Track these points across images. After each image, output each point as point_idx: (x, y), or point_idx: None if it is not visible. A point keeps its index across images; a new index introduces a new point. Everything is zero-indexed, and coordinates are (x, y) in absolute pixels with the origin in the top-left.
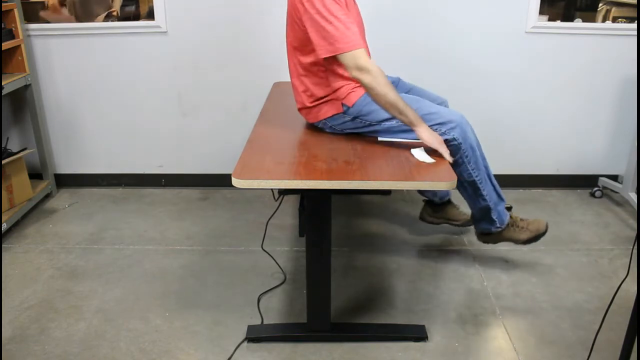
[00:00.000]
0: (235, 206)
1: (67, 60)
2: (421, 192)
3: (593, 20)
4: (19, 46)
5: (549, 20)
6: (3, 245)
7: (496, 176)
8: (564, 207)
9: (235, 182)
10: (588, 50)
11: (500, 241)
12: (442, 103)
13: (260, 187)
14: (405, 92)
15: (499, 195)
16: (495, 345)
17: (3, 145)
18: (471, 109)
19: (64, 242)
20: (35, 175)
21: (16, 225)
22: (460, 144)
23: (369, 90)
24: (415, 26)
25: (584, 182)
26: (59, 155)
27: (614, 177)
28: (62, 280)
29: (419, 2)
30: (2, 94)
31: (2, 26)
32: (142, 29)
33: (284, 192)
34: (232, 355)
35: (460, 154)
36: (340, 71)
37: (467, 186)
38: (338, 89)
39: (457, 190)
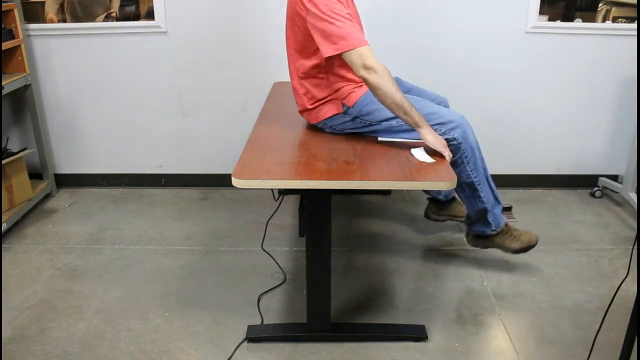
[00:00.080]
0: (235, 206)
1: (67, 60)
2: (426, 190)
3: (593, 20)
4: (19, 46)
5: (549, 20)
6: (3, 245)
7: (496, 176)
8: (564, 207)
9: (235, 182)
10: (588, 50)
11: (490, 247)
12: (442, 102)
13: (260, 187)
14: (405, 92)
15: (495, 198)
16: (495, 345)
17: (3, 145)
18: (471, 109)
19: (64, 242)
20: (35, 175)
21: (16, 225)
22: (461, 143)
23: (375, 90)
24: (415, 26)
25: (584, 182)
26: (59, 155)
27: (614, 177)
28: (62, 280)
29: (419, 2)
30: (2, 94)
31: (2, 26)
32: (142, 29)
33: (284, 192)
34: (232, 355)
35: (459, 154)
36: (342, 72)
37: (465, 187)
38: (339, 89)
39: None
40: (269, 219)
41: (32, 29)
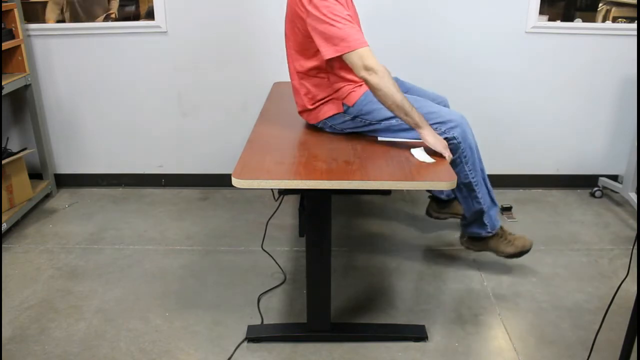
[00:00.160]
0: (235, 206)
1: (67, 60)
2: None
3: (593, 20)
4: (19, 46)
5: (549, 20)
6: (3, 245)
7: (496, 176)
8: (564, 207)
9: (235, 182)
10: (588, 50)
11: (484, 250)
12: (442, 102)
13: (260, 187)
14: (404, 92)
15: (492, 200)
16: (495, 345)
17: (3, 145)
18: (471, 109)
19: (64, 242)
20: (35, 175)
21: (16, 225)
22: (460, 143)
23: (375, 91)
24: (415, 26)
25: (584, 182)
26: (59, 155)
27: (614, 177)
28: (62, 280)
29: (419, 2)
30: (2, 94)
31: (2, 26)
32: (142, 29)
33: (284, 192)
34: (232, 355)
35: (458, 154)
36: (342, 73)
37: (463, 187)
38: (339, 89)
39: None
40: (269, 219)
41: (32, 29)
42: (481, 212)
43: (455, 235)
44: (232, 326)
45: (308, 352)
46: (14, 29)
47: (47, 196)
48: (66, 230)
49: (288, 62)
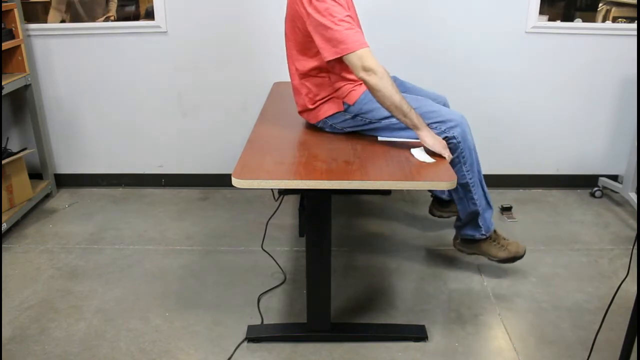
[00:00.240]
0: (235, 206)
1: (67, 60)
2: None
3: (593, 20)
4: (19, 46)
5: (549, 20)
6: (3, 245)
7: (496, 176)
8: (564, 207)
9: (235, 182)
10: (588, 50)
11: (476, 253)
12: (442, 101)
13: (260, 187)
14: (404, 92)
15: (488, 202)
16: (495, 345)
17: (3, 145)
18: (471, 109)
19: (64, 242)
20: (35, 175)
21: (16, 225)
22: (459, 143)
23: (374, 92)
24: (415, 26)
25: (584, 182)
26: (59, 155)
27: (614, 177)
28: (62, 280)
29: (419, 2)
30: (2, 94)
31: (2, 26)
32: (142, 29)
33: (284, 192)
34: (232, 355)
35: (457, 154)
36: (343, 73)
37: (459, 188)
38: (339, 88)
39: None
40: (269, 219)
41: (32, 29)
42: (476, 214)
43: None
44: (232, 326)
45: (308, 352)
46: (14, 29)
47: (47, 196)
48: (66, 230)
49: (288, 62)
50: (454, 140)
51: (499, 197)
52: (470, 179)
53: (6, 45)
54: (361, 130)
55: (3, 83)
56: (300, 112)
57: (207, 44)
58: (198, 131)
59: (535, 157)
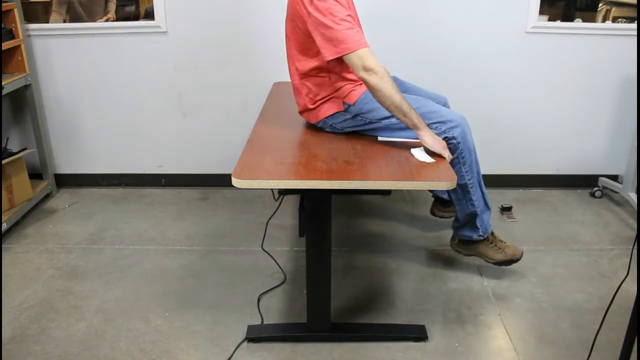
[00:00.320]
0: (235, 206)
1: (67, 60)
2: (430, 189)
3: (593, 20)
4: (19, 46)
5: (549, 20)
6: (3, 245)
7: (496, 176)
8: (564, 207)
9: (235, 182)
10: (588, 50)
11: (473, 254)
12: (442, 101)
13: (260, 187)
14: (404, 92)
15: (486, 204)
16: (495, 345)
17: (3, 145)
18: (471, 109)
19: (64, 242)
20: (35, 175)
21: (16, 225)
22: (459, 143)
23: (374, 92)
24: (415, 26)
25: (584, 182)
26: (59, 155)
27: (614, 177)
28: (62, 280)
29: (419, 2)
30: (2, 94)
31: (2, 26)
32: (142, 29)
33: (284, 192)
34: (232, 355)
35: (457, 154)
36: (343, 73)
37: (458, 188)
38: (340, 88)
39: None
40: (269, 219)
41: (32, 29)
42: (474, 215)
43: None
44: (232, 326)
45: (308, 352)
46: (14, 29)
47: (47, 196)
48: (66, 230)
49: (288, 62)
50: (454, 141)
51: (499, 197)
52: (469, 179)
53: (6, 45)
54: (361, 130)
55: (3, 83)
56: (300, 112)
57: (207, 44)
58: (198, 131)
59: (535, 157)
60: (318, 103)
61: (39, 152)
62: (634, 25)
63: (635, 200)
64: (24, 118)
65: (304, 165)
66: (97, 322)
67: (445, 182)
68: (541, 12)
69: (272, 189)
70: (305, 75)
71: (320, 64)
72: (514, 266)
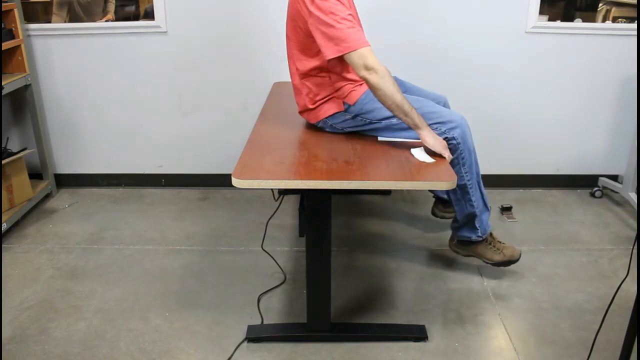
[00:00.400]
0: (235, 206)
1: (67, 60)
2: (431, 189)
3: (593, 20)
4: (19, 46)
5: (549, 20)
6: (3, 245)
7: (496, 176)
8: (564, 207)
9: (235, 182)
10: (588, 50)
11: (471, 255)
12: (442, 101)
13: (260, 187)
14: (404, 92)
15: (485, 204)
16: (495, 345)
17: (3, 145)
18: (471, 109)
19: (64, 242)
20: (35, 175)
21: (16, 225)
22: (459, 144)
23: (375, 91)
24: (415, 26)
25: (584, 182)
26: (59, 155)
27: (614, 177)
28: (62, 280)
29: (419, 2)
30: (2, 94)
31: (2, 26)
32: (142, 29)
33: (284, 192)
34: (232, 355)
35: (457, 155)
36: (344, 72)
37: (457, 189)
38: (340, 88)
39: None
40: (269, 219)
41: (32, 29)
42: (473, 216)
43: None
44: (232, 326)
45: (308, 352)
46: (14, 29)
47: (47, 196)
48: (66, 230)
49: (289, 62)
50: (454, 141)
51: (499, 197)
52: (469, 180)
53: (6, 45)
54: (361, 131)
55: (3, 83)
56: (300, 112)
57: (207, 44)
58: (198, 131)
59: (535, 157)
60: (318, 103)
61: (39, 152)
62: (634, 25)
63: (635, 200)
64: (24, 118)
65: (304, 165)
66: (97, 322)
67: (445, 182)
68: (541, 12)
69: (272, 189)
70: (306, 75)
71: (321, 63)
72: (513, 266)
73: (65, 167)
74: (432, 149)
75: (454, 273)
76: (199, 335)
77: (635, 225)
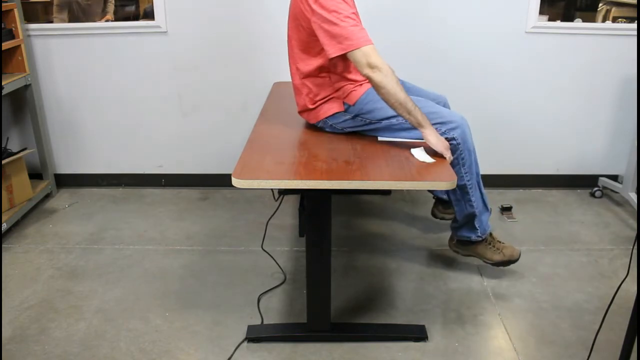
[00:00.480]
0: (235, 206)
1: (67, 60)
2: (431, 190)
3: (593, 20)
4: (19, 46)
5: (549, 20)
6: (3, 245)
7: (496, 176)
8: (564, 207)
9: (235, 182)
10: (588, 50)
11: (471, 255)
12: (442, 102)
13: (260, 187)
14: None
15: (485, 205)
16: (495, 345)
17: (3, 145)
18: (471, 109)
19: (64, 242)
20: (35, 175)
21: (16, 225)
22: (459, 144)
23: (379, 89)
24: (415, 26)
25: (584, 182)
26: (59, 155)
27: (614, 177)
28: (62, 280)
29: (419, 2)
30: (2, 94)
31: (2, 26)
32: (142, 29)
33: (284, 192)
34: (232, 355)
35: (457, 155)
36: (345, 72)
37: (457, 189)
38: (340, 88)
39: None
40: (269, 219)
41: (32, 29)
42: (473, 216)
43: None
44: (232, 326)
45: (308, 352)
46: (14, 29)
47: (47, 196)
48: (66, 230)
49: (290, 62)
50: (454, 142)
51: (499, 197)
52: (469, 180)
53: (6, 45)
54: (361, 131)
55: (3, 83)
56: (300, 112)
57: (207, 44)
58: (198, 131)
59: (535, 157)
60: (318, 103)
61: (39, 152)
62: (634, 25)
63: (635, 200)
64: (24, 118)
65: (304, 165)
66: (97, 322)
67: (445, 182)
68: (541, 12)
69: (272, 189)
70: (306, 75)
71: (322, 63)
72: (513, 266)
73: (65, 167)
74: (435, 148)
75: (454, 273)
76: (199, 335)
77: (635, 225)
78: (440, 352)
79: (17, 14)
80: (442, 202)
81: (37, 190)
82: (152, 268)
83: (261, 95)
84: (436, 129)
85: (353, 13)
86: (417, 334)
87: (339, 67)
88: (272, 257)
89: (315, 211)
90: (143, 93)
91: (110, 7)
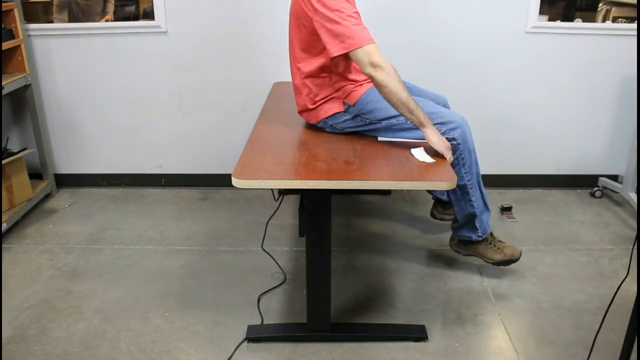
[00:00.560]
0: (235, 206)
1: (67, 60)
2: (430, 191)
3: (593, 20)
4: (19, 46)
5: (549, 20)
6: (3, 245)
7: (496, 176)
8: (564, 207)
9: (235, 182)
10: (588, 50)
11: (472, 254)
12: (442, 102)
13: (260, 187)
14: None
15: (485, 204)
16: (495, 345)
17: (3, 145)
18: (471, 109)
19: (64, 242)
20: (35, 175)
21: (16, 225)
22: (459, 144)
23: (381, 88)
24: (415, 26)
25: (584, 182)
26: (59, 155)
27: (614, 177)
28: (62, 280)
29: (419, 2)
30: (2, 94)
31: (2, 26)
32: (142, 29)
33: (284, 192)
34: (232, 355)
35: (457, 155)
36: (345, 72)
37: (457, 189)
38: (340, 88)
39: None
40: (269, 219)
41: (32, 29)
42: (473, 216)
43: None
44: (232, 326)
45: (308, 352)
46: (14, 29)
47: (47, 196)
48: (66, 230)
49: (291, 62)
50: (454, 142)
51: (499, 197)
52: (469, 181)
53: (6, 45)
54: (361, 131)
55: (3, 83)
56: (300, 112)
57: (207, 44)
58: (198, 131)
59: (535, 157)
60: (318, 103)
61: (39, 152)
62: (634, 25)
63: (635, 200)
64: (24, 118)
65: (304, 165)
66: (97, 322)
67: (445, 182)
68: (541, 12)
69: (272, 189)
70: (307, 75)
71: (323, 63)
72: (513, 266)
73: (65, 167)
74: (436, 148)
75: (454, 273)
76: (199, 335)
77: (635, 225)
78: (440, 352)
79: (17, 14)
80: (441, 202)
81: (37, 190)
82: (152, 268)
83: (261, 95)
84: (437, 129)
85: (355, 12)
86: (417, 334)
87: (340, 67)
88: (272, 257)
89: (315, 211)
90: (143, 93)
91: (110, 7)
